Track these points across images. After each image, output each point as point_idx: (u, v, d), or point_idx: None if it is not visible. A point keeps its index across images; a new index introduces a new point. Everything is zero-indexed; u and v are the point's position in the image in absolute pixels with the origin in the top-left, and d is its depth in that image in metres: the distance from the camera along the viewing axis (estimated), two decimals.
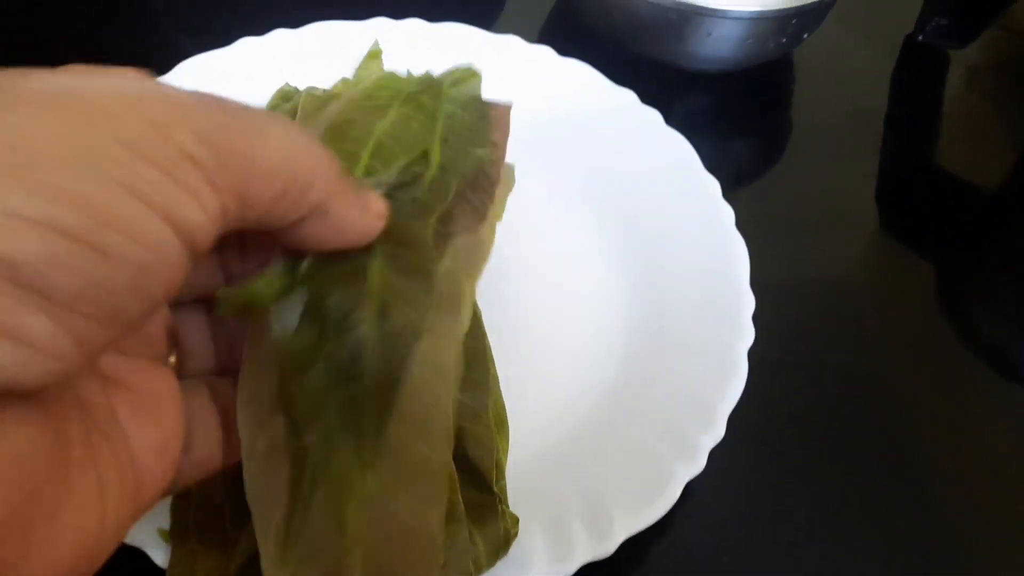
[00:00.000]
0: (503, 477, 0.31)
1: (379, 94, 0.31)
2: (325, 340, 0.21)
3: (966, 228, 0.49)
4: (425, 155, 0.28)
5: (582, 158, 0.43)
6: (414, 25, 0.46)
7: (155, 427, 0.21)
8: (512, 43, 0.46)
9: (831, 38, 0.55)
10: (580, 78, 0.45)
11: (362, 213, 0.22)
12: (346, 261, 0.22)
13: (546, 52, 0.46)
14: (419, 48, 0.45)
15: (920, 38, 0.56)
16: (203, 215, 0.17)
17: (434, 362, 0.22)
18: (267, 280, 0.22)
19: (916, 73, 0.57)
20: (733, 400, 0.34)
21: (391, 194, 0.25)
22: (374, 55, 0.45)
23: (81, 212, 0.15)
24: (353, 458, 0.20)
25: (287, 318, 0.22)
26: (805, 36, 0.49)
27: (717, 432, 0.33)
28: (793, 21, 0.46)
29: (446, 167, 0.28)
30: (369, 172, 0.27)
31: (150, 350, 0.23)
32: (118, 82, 0.17)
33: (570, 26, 0.55)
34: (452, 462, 0.28)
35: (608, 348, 0.37)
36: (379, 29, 0.46)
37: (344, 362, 0.21)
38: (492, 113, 0.33)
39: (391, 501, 0.20)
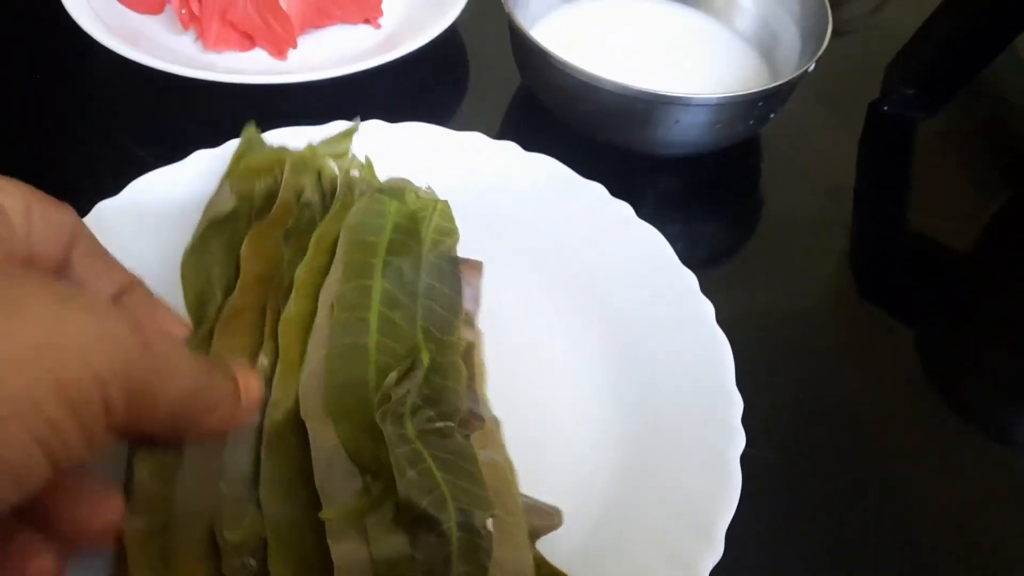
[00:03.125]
0: None
1: (365, 239, 0.34)
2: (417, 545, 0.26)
3: (945, 294, 0.48)
4: (413, 352, 0.31)
5: (555, 259, 0.42)
6: (376, 127, 0.45)
7: None
8: (476, 140, 0.45)
9: (797, 114, 0.54)
10: (548, 174, 0.44)
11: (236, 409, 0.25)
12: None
13: (511, 148, 0.45)
14: (383, 150, 0.44)
15: (886, 108, 0.56)
16: (87, 453, 0.20)
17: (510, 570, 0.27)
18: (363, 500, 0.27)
19: (884, 142, 0.56)
20: (730, 512, 0.32)
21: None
22: (348, 133, 0.43)
23: None
24: None
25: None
26: (772, 116, 0.49)
27: (716, 550, 0.31)
28: (760, 103, 0.46)
29: (434, 367, 0.31)
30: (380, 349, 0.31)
31: None
32: (31, 327, 0.19)
33: (531, 117, 0.54)
34: None
35: (595, 466, 0.35)
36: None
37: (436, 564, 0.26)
38: (464, 272, 0.36)
39: None
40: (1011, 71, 0.60)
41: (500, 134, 0.46)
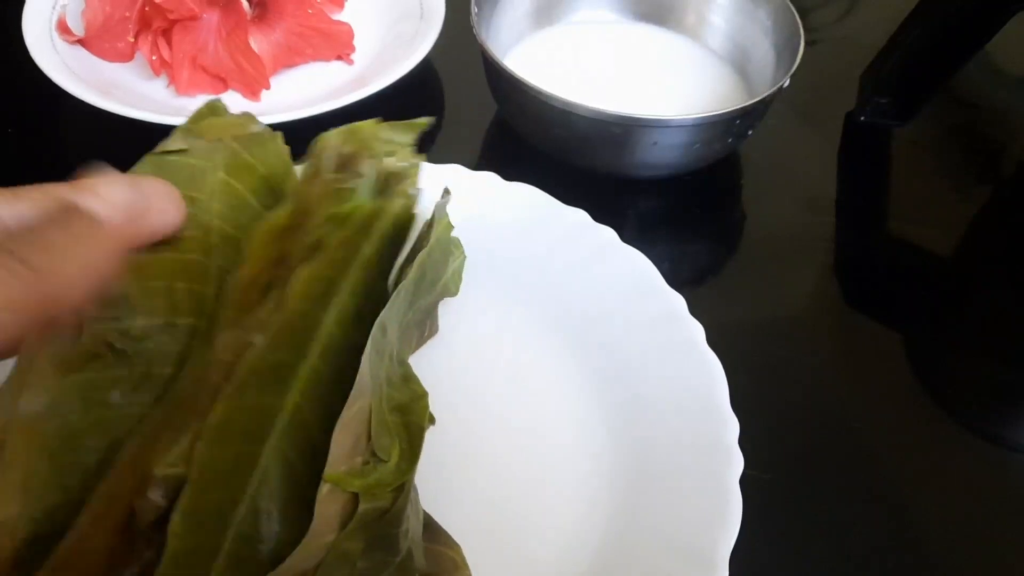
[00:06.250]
0: None
1: None
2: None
3: (931, 297, 0.48)
4: None
5: (541, 289, 0.41)
6: None
7: None
8: (455, 173, 0.45)
9: (774, 128, 0.54)
10: (529, 202, 0.43)
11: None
12: None
13: (491, 179, 0.44)
14: None
15: (862, 118, 0.56)
16: None
17: None
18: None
19: (861, 151, 0.56)
20: (731, 540, 0.32)
21: None
22: (415, 127, 0.37)
23: None
24: None
25: None
26: (750, 132, 0.49)
27: None
28: (737, 121, 0.46)
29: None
30: None
31: None
32: None
33: (509, 147, 0.54)
34: None
35: (590, 500, 0.35)
36: None
37: None
38: None
39: None
40: (981, 76, 0.61)
41: (479, 165, 0.46)
